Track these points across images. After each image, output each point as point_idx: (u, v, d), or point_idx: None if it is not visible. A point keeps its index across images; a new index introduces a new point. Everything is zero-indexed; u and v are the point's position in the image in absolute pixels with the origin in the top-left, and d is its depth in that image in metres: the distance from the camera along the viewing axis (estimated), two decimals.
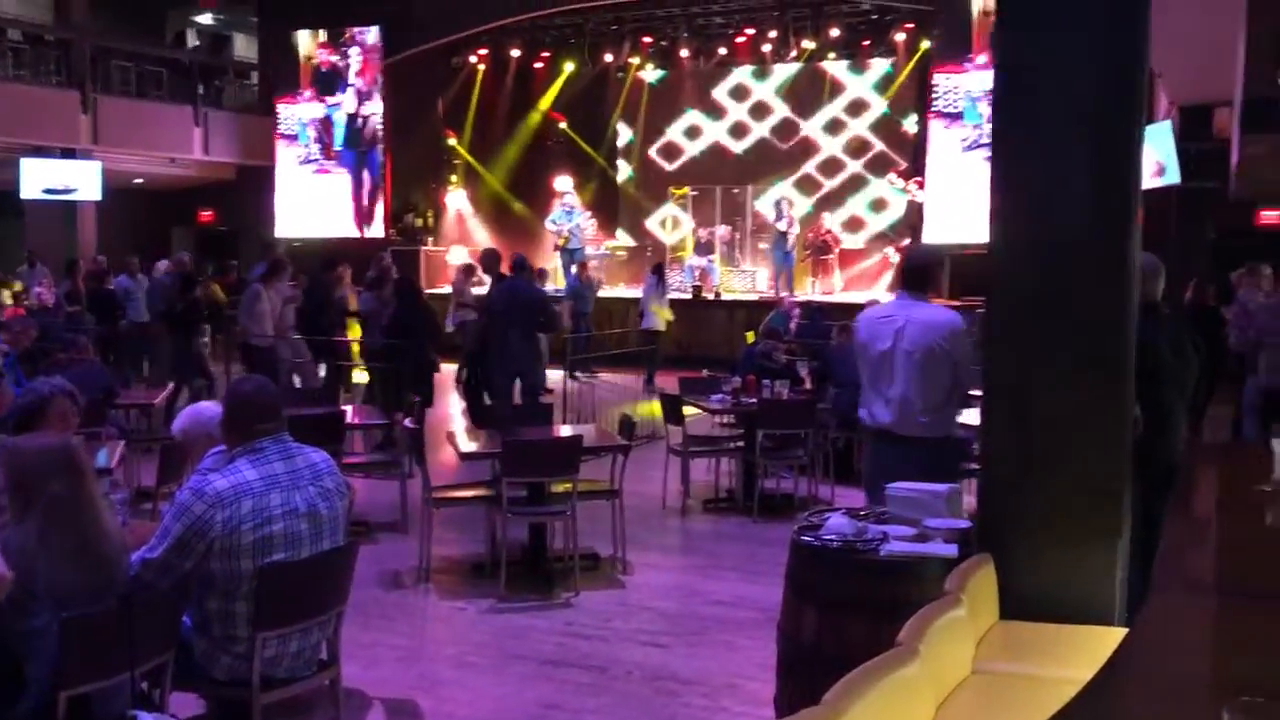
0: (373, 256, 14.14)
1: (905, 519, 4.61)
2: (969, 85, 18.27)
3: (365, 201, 21.74)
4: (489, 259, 10.96)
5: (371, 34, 21.92)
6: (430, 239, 21.72)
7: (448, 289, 16.71)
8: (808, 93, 21.39)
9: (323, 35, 22.18)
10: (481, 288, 12.98)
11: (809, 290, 19.18)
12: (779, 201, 19.70)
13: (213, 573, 4.26)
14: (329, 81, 22.17)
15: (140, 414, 10.24)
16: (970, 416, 6.13)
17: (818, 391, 9.90)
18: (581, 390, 12.22)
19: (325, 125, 22.17)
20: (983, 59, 17.79)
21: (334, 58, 21.95)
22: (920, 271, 5.58)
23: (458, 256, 20.20)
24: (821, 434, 9.32)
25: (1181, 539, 4.24)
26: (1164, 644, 3.17)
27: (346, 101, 21.87)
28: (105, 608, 3.86)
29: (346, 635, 4.79)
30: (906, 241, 18.89)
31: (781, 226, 19.44)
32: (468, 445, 7.41)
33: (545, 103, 22.50)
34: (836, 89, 21.37)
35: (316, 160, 22.19)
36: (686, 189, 21.27)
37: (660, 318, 16.35)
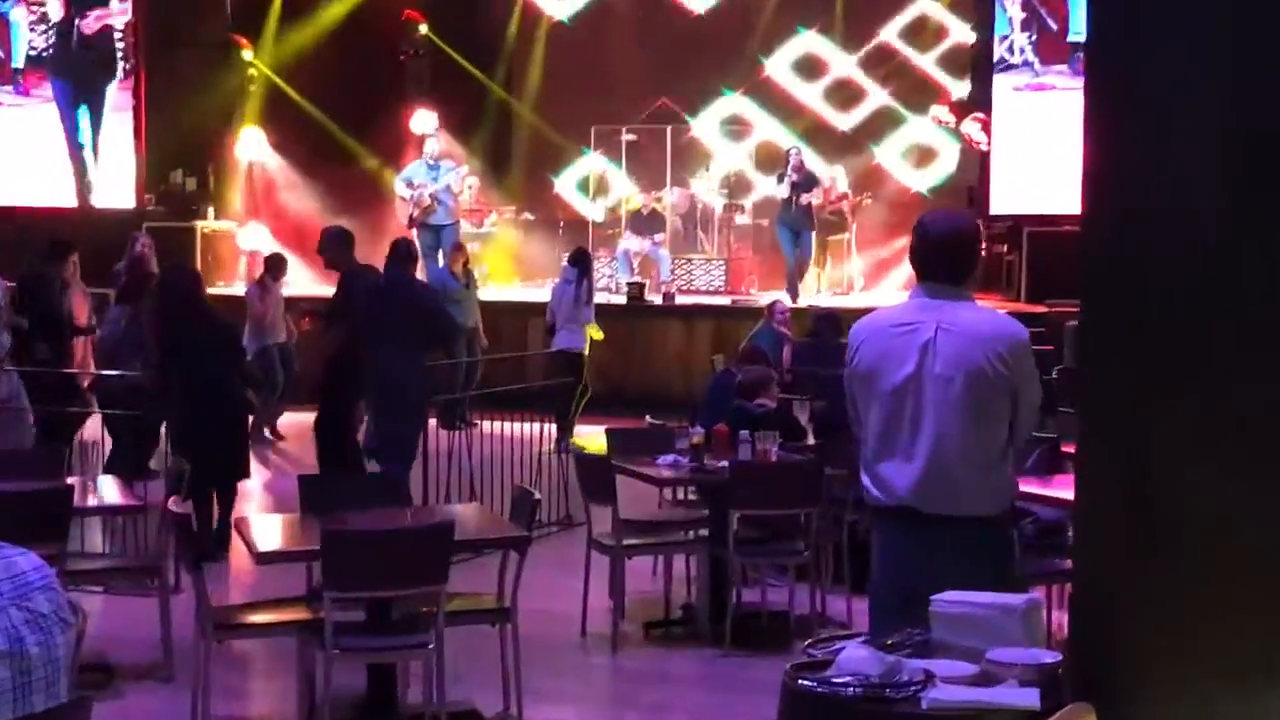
0: (116, 241, 12.67)
1: (958, 648, 3.45)
2: None
3: (91, 151, 16.78)
4: (335, 242, 9.10)
5: None
6: (211, 210, 17.00)
7: (241, 289, 14.17)
8: None
9: None
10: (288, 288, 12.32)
11: (815, 289, 15.65)
12: (790, 152, 15.43)
13: None
14: None
15: None
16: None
17: (825, 449, 7.81)
18: (456, 448, 9.27)
19: None
20: None
21: None
22: (954, 250, 4.10)
23: (255, 239, 16.51)
24: (831, 516, 7.46)
25: None
26: None
27: None
28: None
29: None
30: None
31: (782, 192, 15.21)
32: (267, 539, 5.91)
33: None
34: None
35: None
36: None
37: (583, 334, 12.54)
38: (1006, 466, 4.17)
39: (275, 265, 12.40)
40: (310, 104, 17.45)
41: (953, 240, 4.13)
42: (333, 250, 9.08)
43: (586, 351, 12.43)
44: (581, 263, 12.55)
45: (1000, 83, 15.36)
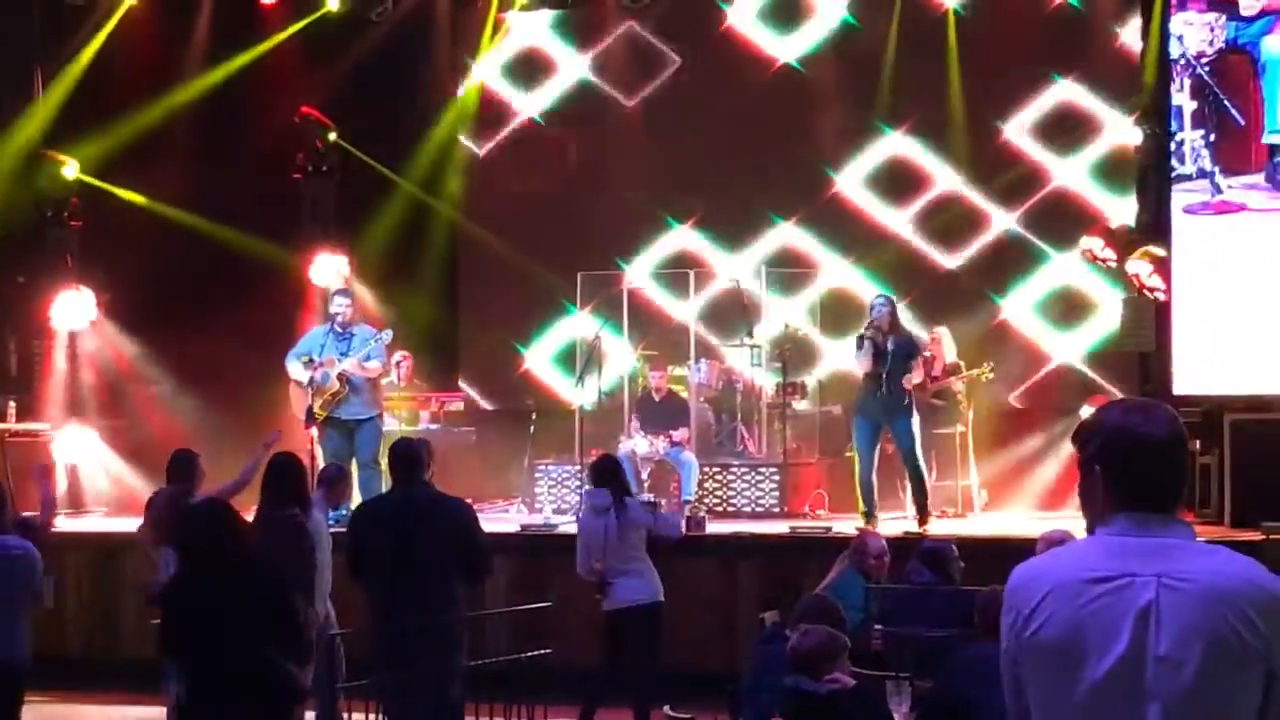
0: None
1: None
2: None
3: None
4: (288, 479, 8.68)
5: None
6: (13, 405, 14.74)
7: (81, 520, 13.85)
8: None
9: None
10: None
11: (908, 510, 13.36)
12: (876, 304, 12.97)
13: None
14: None
15: None
16: None
17: None
18: None
19: None
20: None
21: None
22: (1168, 460, 3.60)
23: (76, 447, 14.46)
24: None
25: None
26: None
27: None
28: None
29: None
30: (1141, 394, 13.12)
31: (863, 364, 12.79)
32: None
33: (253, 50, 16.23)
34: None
35: None
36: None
37: (652, 576, 10.70)
38: None
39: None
40: (158, 246, 15.31)
41: (1175, 446, 3.62)
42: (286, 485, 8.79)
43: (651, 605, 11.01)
44: (612, 478, 10.80)
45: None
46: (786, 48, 16.14)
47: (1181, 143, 13.77)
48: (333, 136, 15.67)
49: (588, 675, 11.05)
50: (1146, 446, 3.44)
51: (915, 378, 12.82)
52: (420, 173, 16.53)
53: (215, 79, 15.87)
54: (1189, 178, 13.54)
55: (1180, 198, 13.64)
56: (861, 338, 12.81)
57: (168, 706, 9.68)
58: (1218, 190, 13.40)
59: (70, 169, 15.18)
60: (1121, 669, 3.38)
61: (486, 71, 16.68)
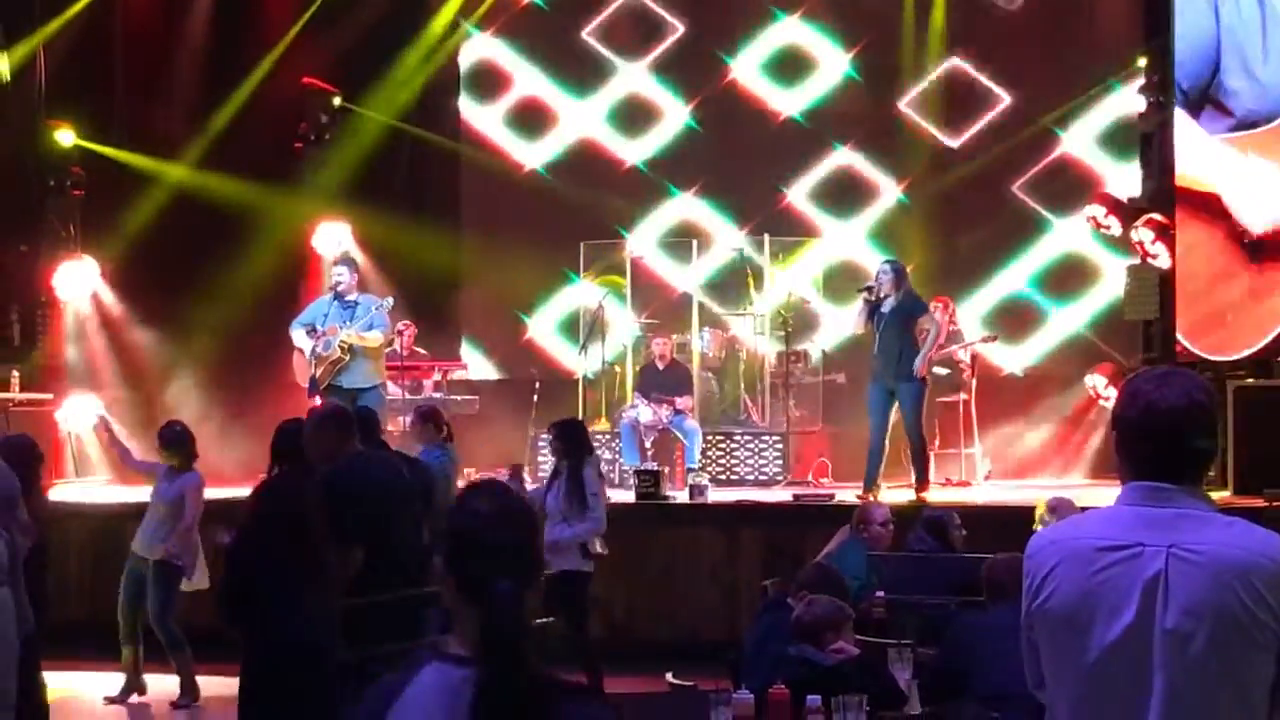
0: None
1: None
2: None
3: None
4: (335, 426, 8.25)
5: None
6: (16, 375, 14.66)
7: (70, 490, 13.92)
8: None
9: None
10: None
11: (910, 478, 13.29)
12: (882, 271, 12.83)
13: None
14: None
15: None
16: None
17: None
18: None
19: None
20: None
21: None
22: (1192, 431, 3.57)
23: (83, 417, 14.61)
24: None
25: None
26: None
27: None
28: None
29: None
30: (1140, 362, 13.65)
31: (856, 325, 13.35)
32: None
33: (282, 46, 15.96)
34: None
35: None
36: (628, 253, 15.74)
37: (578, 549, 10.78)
38: None
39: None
40: (163, 215, 15.36)
41: (1196, 417, 3.55)
42: (329, 438, 8.22)
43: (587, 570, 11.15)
44: (570, 440, 10.90)
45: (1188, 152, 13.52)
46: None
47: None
48: (337, 102, 15.62)
49: (593, 643, 11.04)
50: (1160, 415, 3.39)
51: (920, 361, 12.71)
52: (423, 138, 16.46)
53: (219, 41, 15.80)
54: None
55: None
56: (870, 295, 12.80)
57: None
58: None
59: (67, 135, 15.16)
60: (1128, 640, 3.33)
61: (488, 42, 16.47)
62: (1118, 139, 15.14)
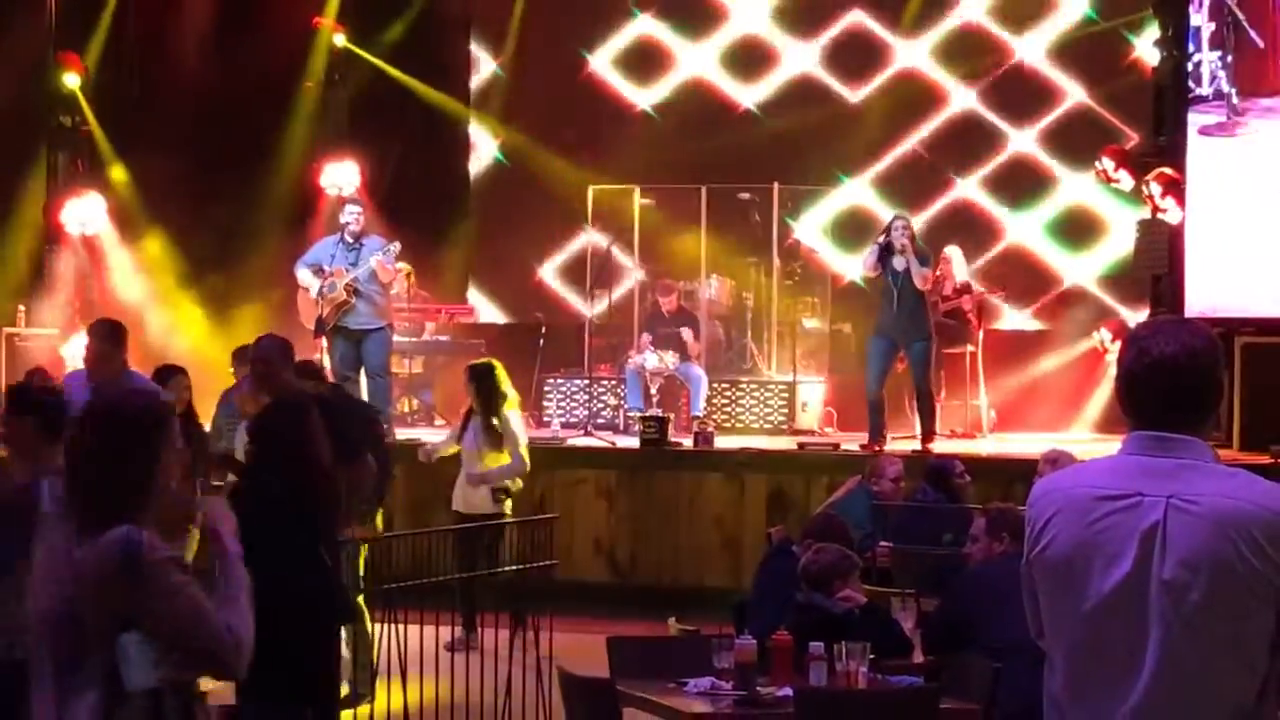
0: None
1: None
2: None
3: None
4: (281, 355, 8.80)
5: None
6: (21, 310, 15.15)
7: None
8: None
9: None
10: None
11: (915, 429, 13.45)
12: (896, 224, 12.96)
13: None
14: None
15: None
16: None
17: (942, 670, 7.28)
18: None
19: None
20: None
21: None
22: (1194, 380, 3.55)
23: (79, 351, 13.72)
24: None
25: None
26: None
27: None
28: None
29: None
30: (1145, 316, 13.72)
31: (867, 261, 13.42)
32: None
33: None
34: None
35: None
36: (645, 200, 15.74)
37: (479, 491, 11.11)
38: (1267, 717, 3.75)
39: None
40: (166, 155, 15.32)
41: (1192, 365, 3.54)
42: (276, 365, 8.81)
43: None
44: (480, 380, 11.02)
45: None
46: None
47: (1199, 64, 13.68)
48: (341, 41, 15.63)
49: (592, 588, 11.46)
50: (1157, 364, 3.36)
51: (921, 280, 12.82)
52: (434, 82, 16.46)
53: None
54: (1205, 99, 13.53)
55: (1196, 119, 13.56)
56: (882, 247, 12.81)
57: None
58: (1235, 112, 13.38)
59: (72, 78, 15.18)
60: (1125, 589, 3.31)
61: None
62: (1131, 92, 15.02)
